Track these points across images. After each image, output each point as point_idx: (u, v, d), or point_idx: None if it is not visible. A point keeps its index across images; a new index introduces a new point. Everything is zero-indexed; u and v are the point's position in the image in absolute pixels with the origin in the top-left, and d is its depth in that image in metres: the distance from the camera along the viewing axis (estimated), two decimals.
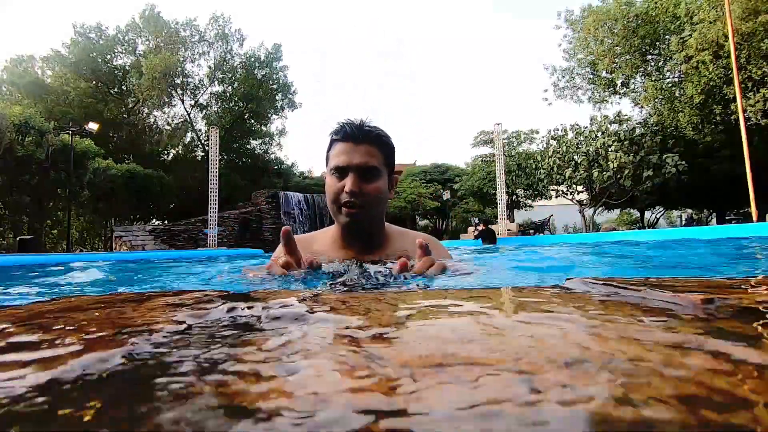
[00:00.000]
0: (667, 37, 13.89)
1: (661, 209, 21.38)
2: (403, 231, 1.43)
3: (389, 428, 0.18)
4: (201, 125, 22.69)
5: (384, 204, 1.26)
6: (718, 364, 0.26)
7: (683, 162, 13.42)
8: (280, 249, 1.20)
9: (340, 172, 1.19)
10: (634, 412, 0.19)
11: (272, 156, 24.68)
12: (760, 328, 0.35)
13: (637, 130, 14.72)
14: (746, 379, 0.23)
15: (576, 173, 15.00)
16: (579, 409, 0.20)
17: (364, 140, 1.20)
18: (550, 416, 0.19)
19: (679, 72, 13.44)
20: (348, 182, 1.16)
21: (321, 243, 1.35)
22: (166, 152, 22.71)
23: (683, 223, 25.07)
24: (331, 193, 1.21)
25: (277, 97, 22.78)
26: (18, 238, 10.20)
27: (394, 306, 0.54)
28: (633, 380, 0.23)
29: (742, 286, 0.60)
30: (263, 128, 23.69)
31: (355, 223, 1.22)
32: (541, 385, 0.23)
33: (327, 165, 1.26)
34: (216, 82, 22.26)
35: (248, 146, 24.06)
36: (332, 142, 1.25)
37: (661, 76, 15.02)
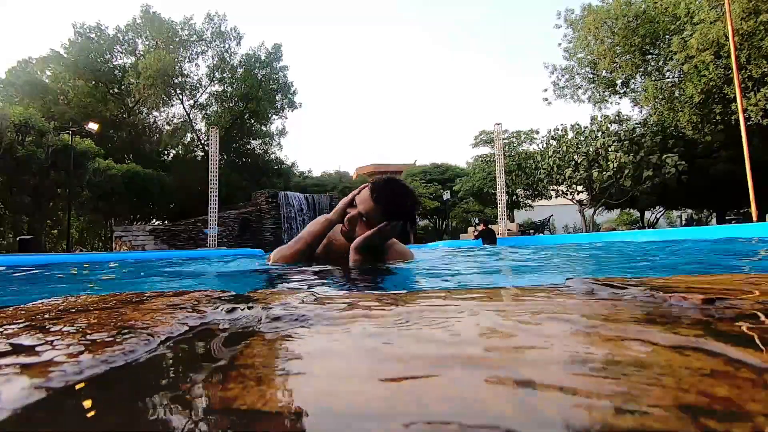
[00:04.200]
0: (667, 36, 13.88)
1: (661, 209, 21.38)
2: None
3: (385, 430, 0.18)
4: (201, 125, 22.70)
5: (366, 243, 1.60)
6: (718, 367, 0.26)
7: (683, 162, 13.41)
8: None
9: (354, 218, 1.56)
10: (634, 420, 0.18)
11: (272, 156, 24.67)
12: (759, 330, 0.35)
13: (637, 130, 14.72)
14: (746, 383, 0.23)
15: (576, 173, 14.99)
16: (578, 417, 0.19)
17: (376, 197, 1.52)
18: (547, 424, 0.19)
19: (680, 72, 13.43)
20: (359, 228, 1.55)
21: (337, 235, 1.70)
22: (166, 152, 22.70)
23: (683, 223, 25.07)
24: (348, 220, 1.57)
25: (277, 97, 22.76)
26: (18, 238, 10.19)
27: (394, 306, 0.54)
28: (633, 385, 0.23)
29: (743, 287, 0.60)
30: (263, 128, 23.67)
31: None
32: (539, 390, 0.23)
33: (355, 194, 1.59)
34: (215, 82, 22.25)
35: (248, 146, 24.04)
36: (367, 189, 1.57)
37: (661, 76, 15.01)
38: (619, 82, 16.27)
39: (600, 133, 14.75)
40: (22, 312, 0.58)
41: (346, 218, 1.58)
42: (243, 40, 22.39)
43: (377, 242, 1.59)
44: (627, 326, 0.37)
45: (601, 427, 0.18)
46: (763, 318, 0.40)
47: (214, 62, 21.81)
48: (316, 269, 1.51)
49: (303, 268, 1.54)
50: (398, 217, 1.57)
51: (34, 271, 2.88)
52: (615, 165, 13.84)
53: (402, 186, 1.62)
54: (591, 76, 16.97)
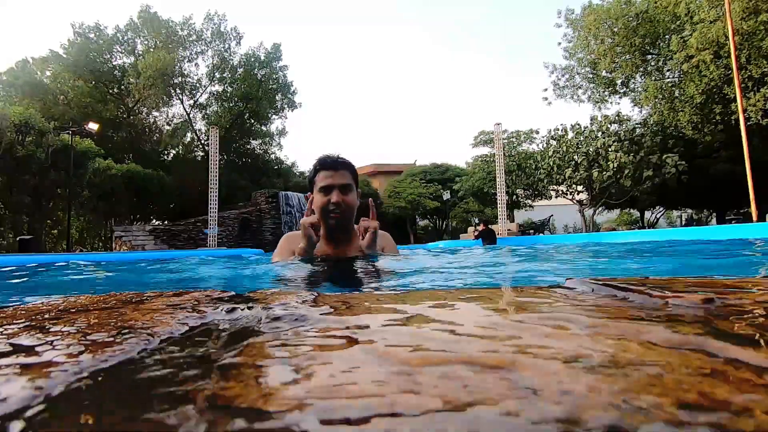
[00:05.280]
0: (667, 36, 13.88)
1: (661, 209, 21.38)
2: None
3: None
4: (201, 125, 22.70)
5: (355, 209, 1.69)
6: (718, 367, 0.26)
7: (683, 162, 13.42)
8: (282, 245, 1.76)
9: (327, 190, 1.63)
10: (634, 420, 0.18)
11: (272, 156, 24.67)
12: (759, 329, 0.35)
13: (637, 130, 14.73)
14: (746, 383, 0.23)
15: (576, 173, 14.99)
16: (578, 417, 0.19)
17: (341, 167, 1.66)
18: (547, 423, 0.19)
19: (679, 71, 13.42)
20: (333, 196, 1.61)
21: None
22: (166, 152, 22.70)
23: (683, 223, 25.07)
24: (321, 205, 1.62)
25: (276, 97, 22.76)
26: (18, 238, 10.20)
27: (393, 307, 0.54)
28: (632, 385, 0.23)
29: (742, 287, 0.60)
30: (263, 128, 23.67)
31: (338, 225, 1.65)
32: (538, 390, 0.23)
33: (313, 187, 1.69)
34: (215, 82, 22.26)
35: (248, 146, 24.04)
36: (318, 171, 1.68)
37: (661, 76, 15.01)
38: (619, 82, 16.27)
39: (600, 133, 14.76)
40: (22, 312, 0.58)
41: (338, 198, 1.62)
42: (243, 39, 22.40)
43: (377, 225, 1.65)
44: (627, 326, 0.37)
45: (601, 427, 0.18)
46: (763, 317, 0.40)
47: (214, 62, 21.82)
48: (317, 268, 1.52)
49: (304, 266, 1.54)
50: (350, 168, 1.71)
51: (34, 271, 2.88)
52: (615, 165, 13.85)
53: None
54: (591, 75, 16.98)
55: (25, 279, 2.45)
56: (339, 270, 1.52)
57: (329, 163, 1.67)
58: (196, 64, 22.12)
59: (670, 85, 14.33)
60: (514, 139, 20.80)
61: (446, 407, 0.20)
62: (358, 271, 1.45)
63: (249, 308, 0.51)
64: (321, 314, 0.48)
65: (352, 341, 0.36)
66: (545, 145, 16.86)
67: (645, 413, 0.19)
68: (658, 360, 0.27)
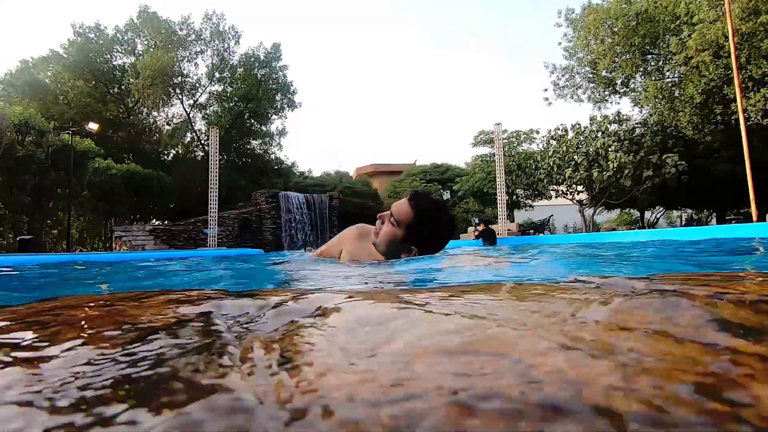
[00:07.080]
0: (667, 36, 13.88)
1: (661, 209, 21.38)
2: None
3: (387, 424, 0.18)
4: (200, 125, 22.71)
5: (387, 245, 1.53)
6: (719, 357, 0.26)
7: (683, 162, 13.41)
8: (335, 242, 1.72)
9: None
10: (638, 406, 0.19)
11: (272, 156, 24.67)
12: (760, 322, 0.35)
13: (637, 130, 14.73)
14: (746, 377, 0.23)
15: (576, 173, 14.99)
16: (580, 406, 0.19)
17: (412, 201, 1.50)
18: (549, 409, 0.19)
19: (679, 72, 13.43)
20: (384, 227, 1.53)
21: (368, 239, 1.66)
22: (166, 152, 22.70)
23: (683, 223, 25.08)
24: (379, 217, 1.57)
25: (276, 97, 22.77)
26: (18, 238, 10.20)
27: (397, 303, 0.54)
28: (632, 375, 0.23)
29: (745, 280, 0.60)
30: (263, 128, 23.68)
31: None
32: (541, 376, 0.23)
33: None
34: (215, 82, 22.26)
35: (248, 146, 24.05)
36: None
37: (661, 76, 15.02)
38: (619, 81, 16.26)
39: (600, 133, 14.75)
40: (22, 310, 0.58)
41: (378, 215, 1.59)
42: (242, 39, 22.41)
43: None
44: (628, 318, 0.37)
45: (603, 417, 0.18)
46: (764, 310, 0.40)
47: (213, 62, 21.82)
48: (337, 269, 1.50)
49: (314, 265, 1.54)
50: (427, 229, 1.51)
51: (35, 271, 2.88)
52: (615, 165, 13.84)
53: (442, 205, 1.60)
54: (591, 75, 16.97)
55: (25, 279, 2.45)
56: (357, 271, 1.50)
57: (412, 193, 1.62)
58: (196, 64, 22.14)
59: (670, 85, 14.32)
60: (514, 139, 20.80)
61: (448, 405, 0.20)
62: (375, 273, 1.44)
63: (251, 305, 0.51)
64: (323, 311, 0.48)
65: (354, 338, 0.36)
66: (545, 145, 16.85)
67: (646, 403, 0.19)
68: (658, 351, 0.28)
